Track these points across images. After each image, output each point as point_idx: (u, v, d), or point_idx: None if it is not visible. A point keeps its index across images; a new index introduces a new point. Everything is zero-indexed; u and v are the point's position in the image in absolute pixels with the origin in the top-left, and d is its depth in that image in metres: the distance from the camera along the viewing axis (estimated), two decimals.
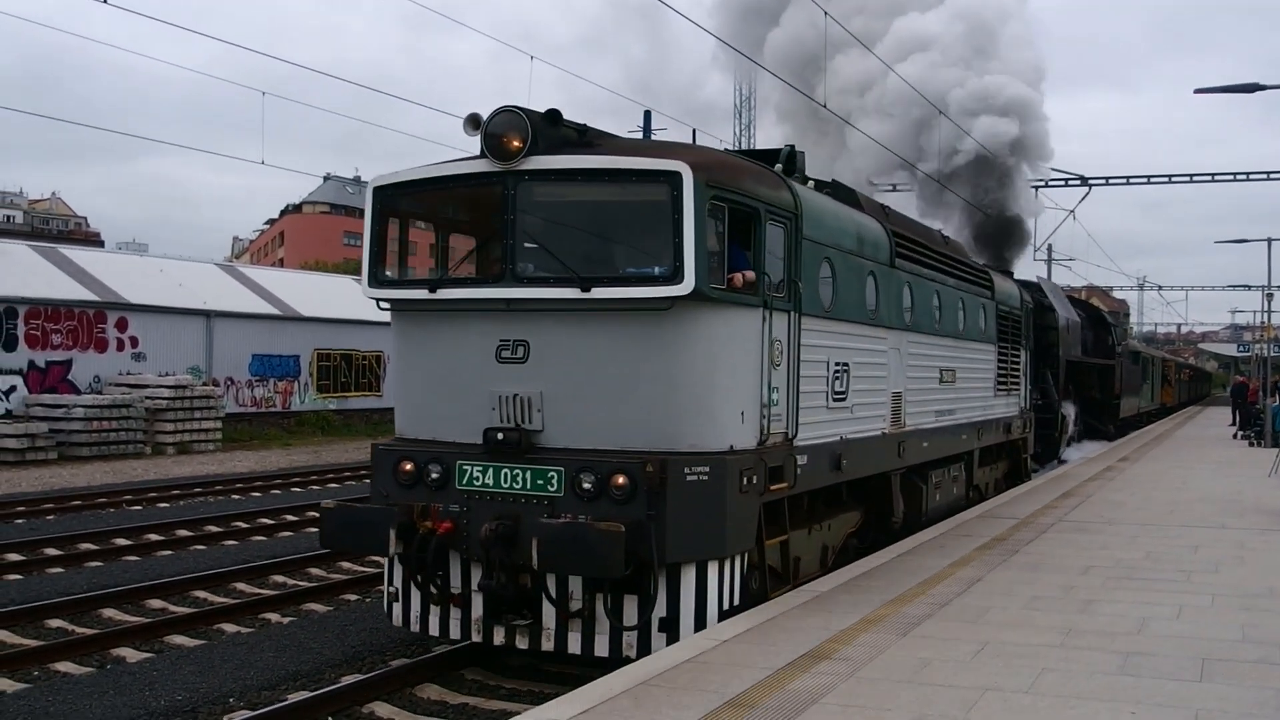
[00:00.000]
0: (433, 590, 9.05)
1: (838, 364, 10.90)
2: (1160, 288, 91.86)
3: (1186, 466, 24.05)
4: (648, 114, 26.13)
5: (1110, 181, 36.98)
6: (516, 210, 8.66)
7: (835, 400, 10.86)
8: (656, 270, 8.52)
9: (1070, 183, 36.76)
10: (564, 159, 8.66)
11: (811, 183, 12.30)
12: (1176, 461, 25.52)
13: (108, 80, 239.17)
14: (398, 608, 9.39)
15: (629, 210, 8.74)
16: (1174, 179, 36.89)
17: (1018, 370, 19.57)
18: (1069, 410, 26.28)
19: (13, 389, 29.72)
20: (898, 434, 12.79)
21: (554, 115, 8.69)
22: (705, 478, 8.50)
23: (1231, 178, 36.49)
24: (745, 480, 8.83)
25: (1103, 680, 6.77)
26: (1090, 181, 36.47)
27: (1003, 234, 26.94)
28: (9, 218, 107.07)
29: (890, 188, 30.19)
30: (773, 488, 9.37)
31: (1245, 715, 6.17)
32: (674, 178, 8.34)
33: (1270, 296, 46.66)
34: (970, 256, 17.80)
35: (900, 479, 13.26)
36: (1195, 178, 37.05)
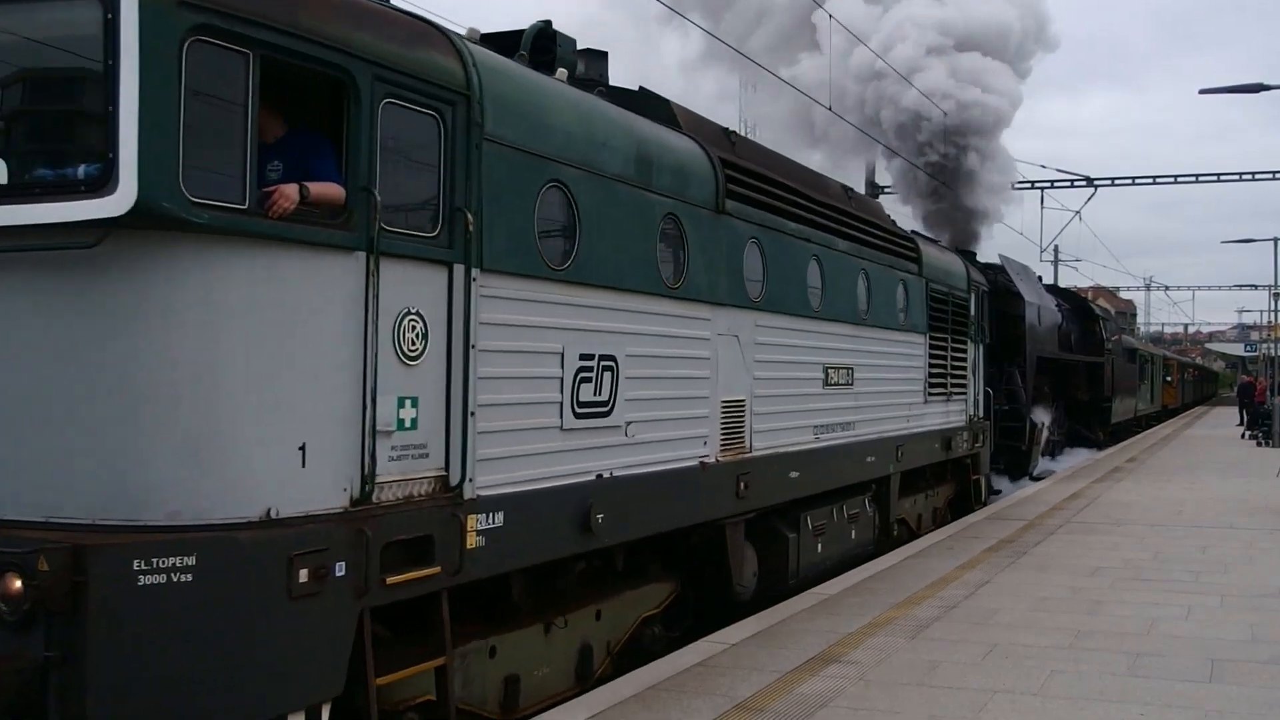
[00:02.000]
0: None
1: (589, 357, 6.70)
2: (1167, 288, 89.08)
3: (1185, 484, 20.45)
4: None
5: (1116, 182, 35.84)
6: None
7: (584, 415, 6.65)
8: (80, 172, 4.33)
9: (1076, 184, 35.73)
10: None
11: (602, 89, 8.12)
12: (1174, 477, 21.79)
13: None
14: None
15: (35, 56, 4.52)
16: (1180, 179, 35.67)
17: (963, 368, 15.32)
18: (1042, 416, 21.95)
19: None
20: (736, 462, 8.58)
21: None
22: (187, 580, 4.31)
23: (1238, 177, 35.41)
24: (304, 575, 4.65)
25: (1112, 681, 6.74)
26: (1096, 182, 35.36)
27: (961, 209, 22.68)
28: None
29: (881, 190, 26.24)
30: (397, 579, 5.18)
31: (1255, 716, 6.15)
32: None
33: (1277, 296, 45.84)
34: (889, 221, 13.57)
35: (746, 528, 9.06)
36: (1201, 178, 35.77)
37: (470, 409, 5.70)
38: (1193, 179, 35.72)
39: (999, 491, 19.17)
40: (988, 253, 23.84)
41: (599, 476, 6.80)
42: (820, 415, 10.29)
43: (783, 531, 9.69)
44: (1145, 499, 16.87)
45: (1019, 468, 20.40)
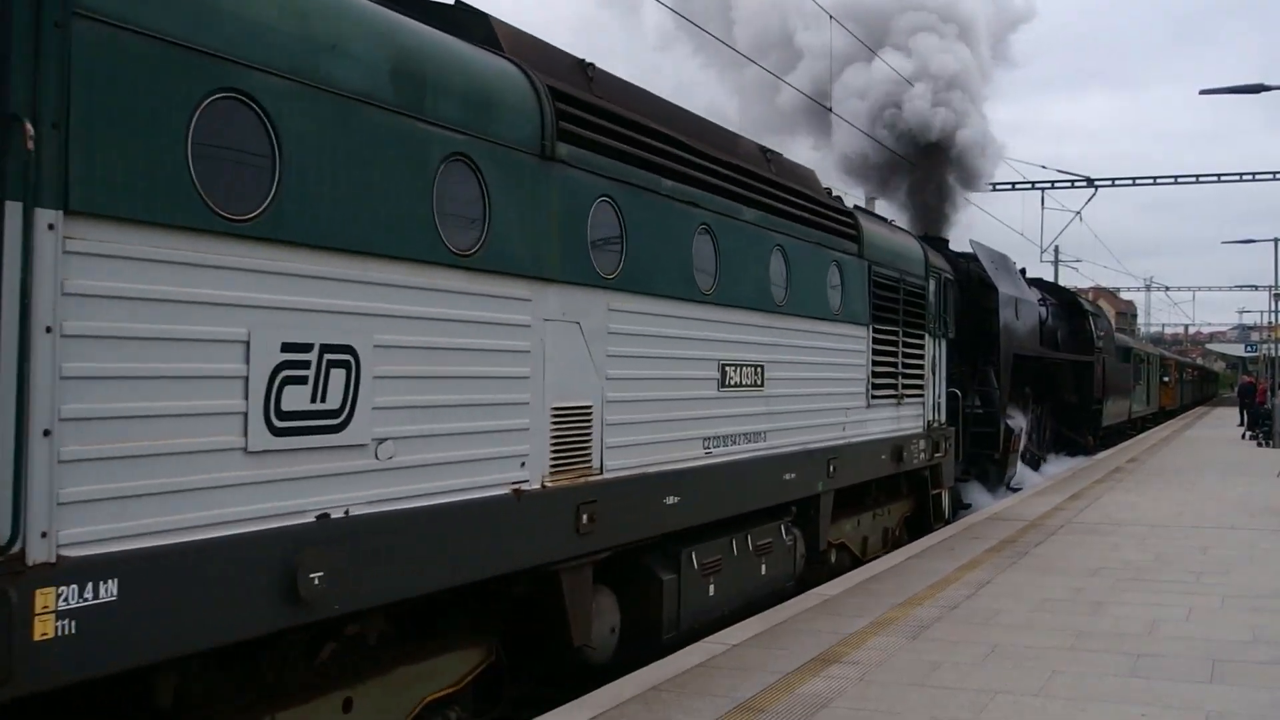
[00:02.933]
0: None
1: (301, 348, 4.69)
2: (1167, 288, 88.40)
3: (1186, 486, 19.12)
4: None
5: (1116, 183, 36.05)
6: None
7: (292, 431, 4.64)
8: None
9: (1076, 184, 35.77)
10: None
11: None
12: (1174, 479, 20.45)
13: None
14: None
15: None
16: (1180, 179, 35.97)
17: (919, 367, 13.30)
18: (1019, 420, 19.91)
19: None
20: (576, 488, 6.57)
21: None
22: None
23: (1238, 178, 35.62)
24: None
25: (1113, 682, 6.73)
26: (1096, 183, 35.38)
27: (932, 186, 20.62)
28: None
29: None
30: None
31: (1256, 717, 6.15)
32: None
33: (1278, 296, 45.80)
34: (825, 193, 11.53)
35: (600, 571, 7.05)
36: (1202, 178, 36.07)
37: (45, 426, 3.70)
38: (1193, 179, 35.83)
39: (969, 506, 17.13)
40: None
41: (321, 517, 4.78)
42: (714, 424, 8.29)
43: (656, 573, 7.68)
44: (1147, 499, 16.77)
45: (995, 478, 18.36)
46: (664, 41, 39.52)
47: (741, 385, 8.71)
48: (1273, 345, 56.55)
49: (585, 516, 6.63)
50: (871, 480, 12.12)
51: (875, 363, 11.73)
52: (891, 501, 13.18)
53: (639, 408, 7.29)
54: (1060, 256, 50.86)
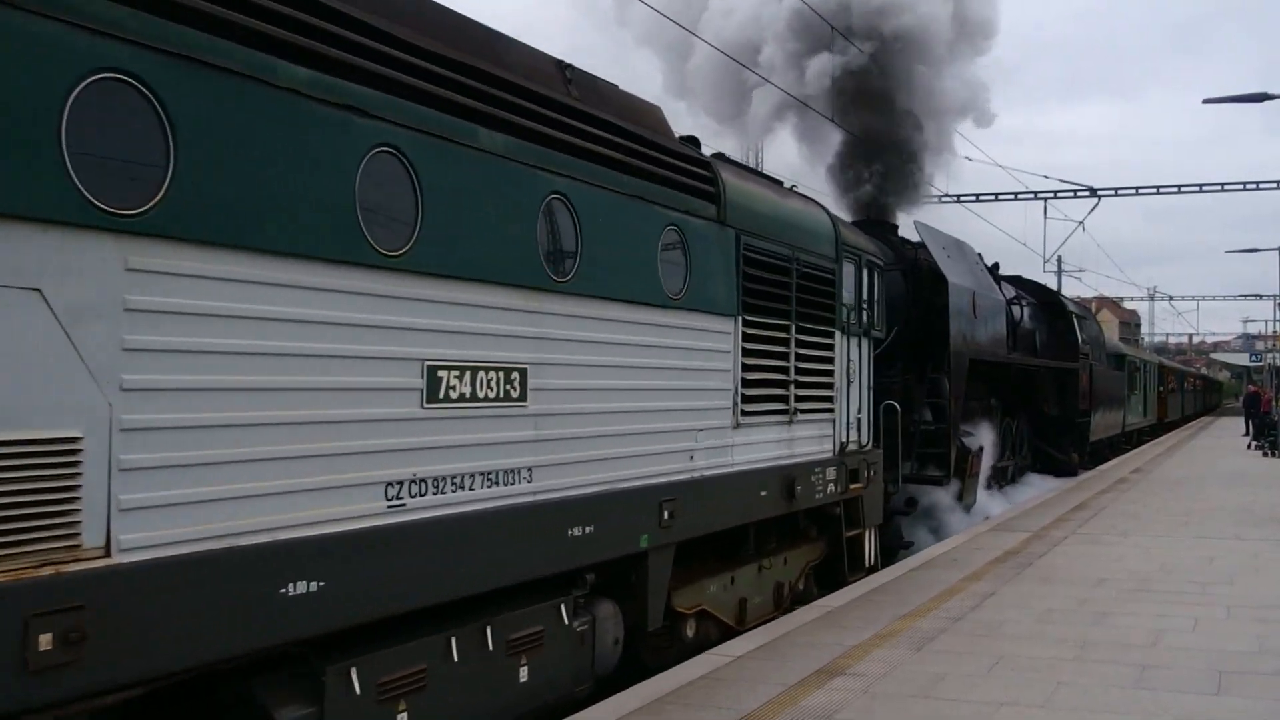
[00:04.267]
0: None
1: None
2: (1171, 298, 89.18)
3: (1190, 497, 18.34)
4: None
5: (1119, 192, 35.69)
6: None
7: None
8: None
9: (1079, 194, 35.52)
10: None
11: None
12: (1177, 490, 19.46)
13: None
14: None
15: None
16: (1184, 189, 36.03)
17: (826, 374, 10.28)
18: (980, 438, 16.85)
19: None
20: (19, 587, 3.58)
21: None
22: None
23: (1241, 187, 35.36)
24: None
25: (1118, 694, 6.71)
26: (1099, 192, 34.93)
27: (881, 161, 17.58)
28: None
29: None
30: None
31: None
32: None
33: None
34: (666, 134, 8.47)
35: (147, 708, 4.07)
36: (1205, 187, 36.07)
37: None
38: (1196, 188, 35.92)
39: (910, 545, 14.08)
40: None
41: None
42: (412, 460, 5.28)
43: (269, 710, 4.65)
44: (1151, 510, 16.58)
45: (947, 507, 15.30)
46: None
47: (477, 399, 5.71)
48: (1277, 354, 56.86)
49: (53, 639, 3.64)
50: (750, 524, 9.11)
51: (749, 367, 8.72)
52: (788, 548, 10.15)
53: (213, 438, 4.29)
54: (1063, 266, 50.83)
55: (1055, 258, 46.24)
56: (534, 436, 6.16)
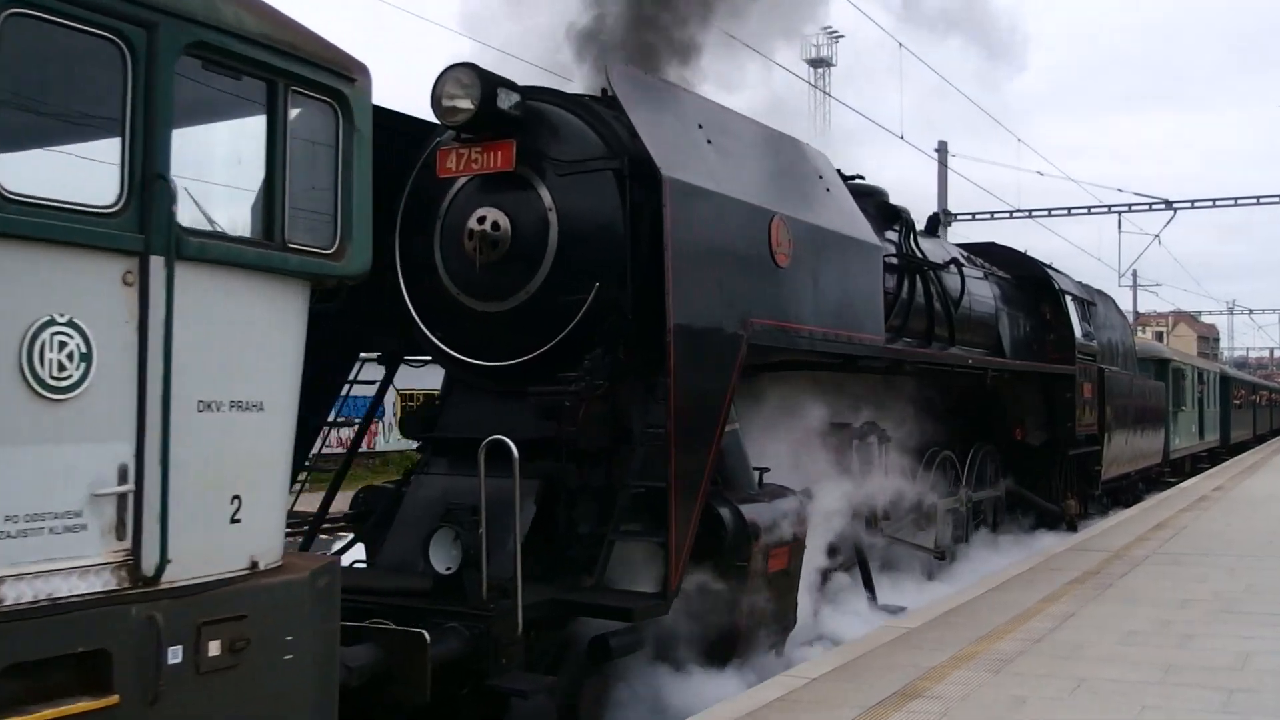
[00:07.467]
0: None
1: None
2: (1251, 311, 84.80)
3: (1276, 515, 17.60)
4: None
5: (1196, 204, 35.18)
6: None
7: None
8: None
9: (1154, 207, 35.10)
10: None
11: None
12: (1260, 508, 18.69)
13: None
14: None
15: None
16: (1263, 200, 35.25)
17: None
18: (822, 494, 9.05)
19: None
20: None
21: None
22: None
23: None
24: None
25: (1206, 718, 6.70)
26: (1175, 205, 34.52)
27: None
28: None
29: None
30: None
31: None
32: None
33: None
34: None
35: None
36: None
37: None
38: (1276, 199, 35.33)
39: None
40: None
41: None
42: None
43: None
44: (1235, 528, 16.31)
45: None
46: None
47: None
48: None
49: None
50: None
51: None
52: None
53: None
54: (1139, 281, 50.73)
55: (1130, 271, 46.71)
56: None
